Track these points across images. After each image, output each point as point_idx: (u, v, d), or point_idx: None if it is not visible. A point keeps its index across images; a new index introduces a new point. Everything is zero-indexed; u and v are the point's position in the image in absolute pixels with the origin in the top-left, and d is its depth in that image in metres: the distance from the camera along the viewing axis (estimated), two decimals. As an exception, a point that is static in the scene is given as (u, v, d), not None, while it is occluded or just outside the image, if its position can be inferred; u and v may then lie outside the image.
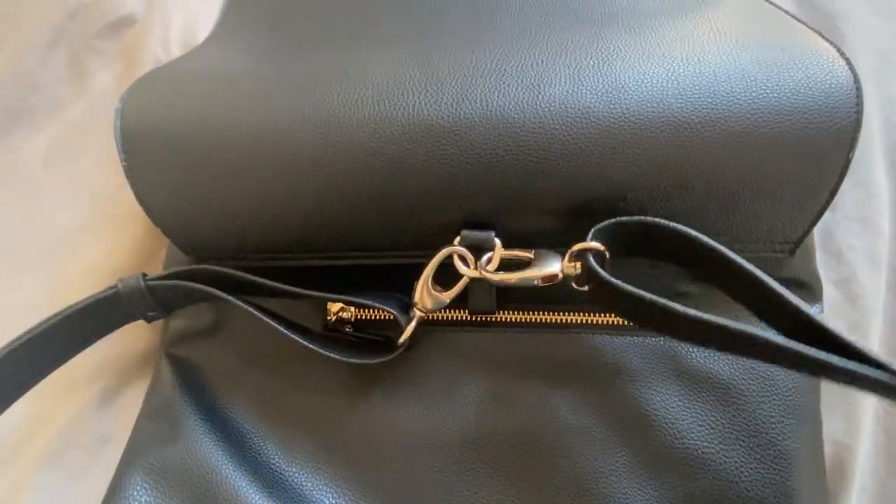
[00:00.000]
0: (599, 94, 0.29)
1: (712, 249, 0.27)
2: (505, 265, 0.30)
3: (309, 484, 0.32)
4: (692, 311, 0.25)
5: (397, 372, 0.33)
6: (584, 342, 0.32)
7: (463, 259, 0.31)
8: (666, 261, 0.30)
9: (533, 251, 0.30)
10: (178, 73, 0.35)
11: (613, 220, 0.28)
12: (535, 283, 0.30)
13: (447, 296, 0.31)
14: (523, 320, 0.33)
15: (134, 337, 0.39)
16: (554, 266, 0.29)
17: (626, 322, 0.32)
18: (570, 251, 0.29)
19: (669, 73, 0.29)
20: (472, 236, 0.30)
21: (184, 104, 0.33)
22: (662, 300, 0.25)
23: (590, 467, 0.30)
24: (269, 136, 0.31)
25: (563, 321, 0.33)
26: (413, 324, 0.32)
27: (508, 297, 0.33)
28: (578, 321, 0.32)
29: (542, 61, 0.31)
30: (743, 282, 0.27)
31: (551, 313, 0.33)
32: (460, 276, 0.31)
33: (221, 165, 0.31)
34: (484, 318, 0.33)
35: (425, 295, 0.31)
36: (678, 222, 0.28)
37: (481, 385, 0.32)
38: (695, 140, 0.28)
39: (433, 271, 0.31)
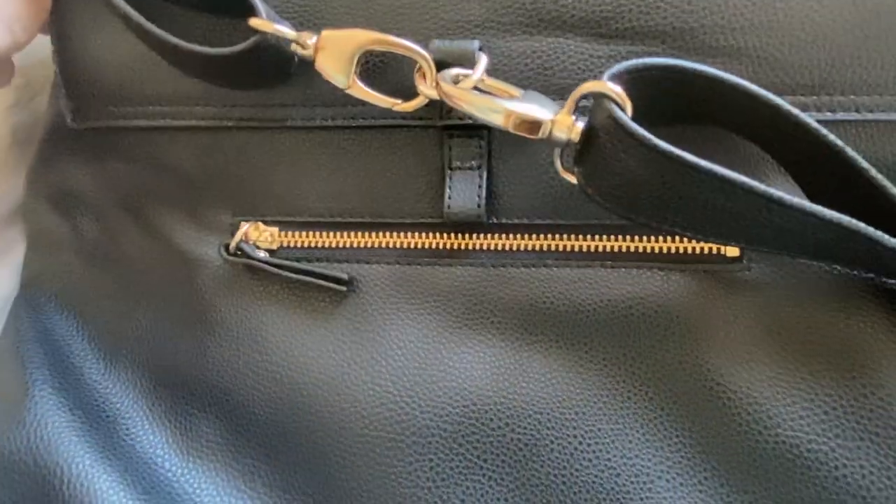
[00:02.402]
0: None
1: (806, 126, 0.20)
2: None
3: (205, 481, 0.26)
4: (808, 205, 0.18)
5: (326, 313, 0.26)
6: (628, 282, 0.24)
7: (423, 75, 0.23)
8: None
9: (524, 91, 0.22)
10: None
11: (643, 62, 0.20)
12: (502, 123, 0.21)
13: (374, 97, 0.23)
14: (528, 246, 0.25)
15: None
16: (546, 112, 0.21)
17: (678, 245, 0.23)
18: (574, 94, 0.21)
19: None
20: (447, 45, 0.23)
21: None
22: (745, 179, 0.18)
23: (629, 466, 0.23)
24: None
25: (592, 249, 0.24)
26: (287, 32, 0.23)
27: (501, 203, 0.24)
28: (617, 249, 0.24)
29: None
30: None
31: (570, 236, 0.24)
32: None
33: None
34: (465, 242, 0.25)
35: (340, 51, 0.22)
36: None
37: (467, 347, 0.25)
38: None
39: (381, 41, 0.22)
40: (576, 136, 0.21)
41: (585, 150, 0.21)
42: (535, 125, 0.21)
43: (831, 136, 0.20)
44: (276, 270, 0.26)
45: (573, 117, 0.21)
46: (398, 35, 0.23)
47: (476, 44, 0.22)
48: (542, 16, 0.23)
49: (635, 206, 0.21)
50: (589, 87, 0.20)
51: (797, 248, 0.21)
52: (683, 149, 0.19)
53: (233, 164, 0.27)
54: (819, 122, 0.22)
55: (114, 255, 0.29)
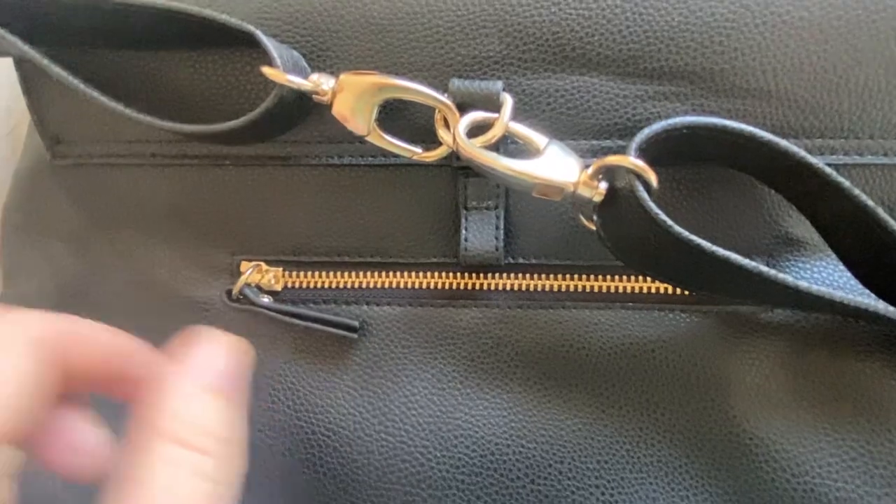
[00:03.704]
0: None
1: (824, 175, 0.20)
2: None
3: None
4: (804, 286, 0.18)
5: (336, 359, 0.24)
6: (650, 324, 0.23)
7: (446, 123, 0.21)
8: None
9: (548, 139, 0.21)
10: None
11: (671, 124, 0.20)
12: (531, 185, 0.20)
13: (392, 146, 0.22)
14: (546, 287, 0.23)
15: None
16: (569, 172, 0.20)
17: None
18: (598, 164, 0.20)
19: None
20: (467, 87, 0.21)
21: None
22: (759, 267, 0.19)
23: None
24: None
25: (612, 290, 0.23)
26: (303, 83, 0.21)
27: (518, 242, 0.23)
28: (638, 290, 0.23)
29: None
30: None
31: (589, 277, 0.23)
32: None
33: None
34: (481, 282, 0.24)
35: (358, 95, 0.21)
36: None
37: (483, 393, 0.24)
38: None
39: (402, 88, 0.21)
40: (598, 197, 0.20)
41: (605, 207, 0.20)
42: (557, 189, 0.20)
43: (862, 196, 0.20)
44: (283, 318, 0.24)
45: (597, 181, 0.20)
46: (414, 71, 0.22)
47: (499, 86, 0.21)
48: (566, 53, 0.22)
49: (649, 266, 0.21)
50: (614, 160, 0.19)
51: (810, 308, 0.21)
52: (699, 190, 0.20)
53: (231, 201, 0.25)
54: (846, 165, 0.22)
55: (98, 294, 0.27)
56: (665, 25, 0.21)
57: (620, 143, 0.22)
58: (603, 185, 0.20)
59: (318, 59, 0.23)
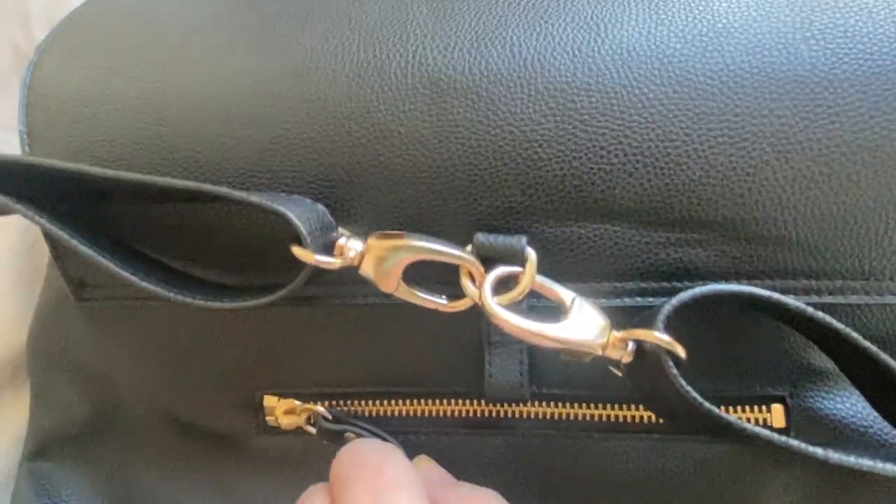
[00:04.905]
0: (689, 37, 0.22)
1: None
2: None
3: None
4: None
5: None
6: (677, 454, 0.23)
7: (472, 276, 0.22)
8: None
9: (573, 295, 0.21)
10: (115, 17, 0.27)
11: (696, 294, 0.20)
12: (558, 349, 0.21)
13: (419, 299, 0.22)
14: (571, 416, 0.24)
15: None
16: (596, 332, 0.20)
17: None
18: (626, 334, 0.20)
19: (790, 6, 0.22)
20: (491, 242, 0.22)
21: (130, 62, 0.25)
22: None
23: None
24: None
25: (638, 420, 0.23)
26: (333, 262, 0.21)
27: (542, 372, 0.24)
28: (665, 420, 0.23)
29: None
30: None
31: (616, 407, 0.23)
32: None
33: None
34: (505, 411, 0.24)
35: (386, 261, 0.21)
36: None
37: None
38: (844, 108, 0.21)
39: (428, 251, 0.21)
40: (627, 358, 0.20)
41: (633, 365, 0.21)
42: (587, 353, 0.20)
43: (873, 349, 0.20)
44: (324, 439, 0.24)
45: (626, 343, 0.20)
46: (437, 222, 0.22)
47: (523, 241, 0.21)
48: (588, 204, 0.22)
49: (670, 417, 0.22)
50: (642, 335, 0.20)
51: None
52: (721, 318, 0.21)
53: (254, 338, 0.25)
54: (867, 305, 0.22)
55: (123, 426, 0.27)
56: (686, 179, 0.21)
57: (643, 284, 0.22)
58: (631, 346, 0.20)
59: (343, 210, 0.23)
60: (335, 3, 0.25)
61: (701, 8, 0.22)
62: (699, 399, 0.19)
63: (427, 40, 0.23)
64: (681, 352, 0.19)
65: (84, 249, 0.21)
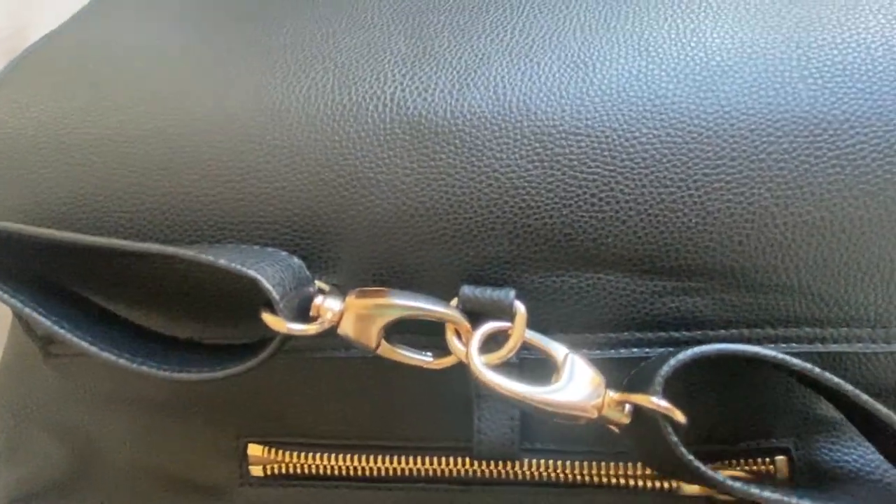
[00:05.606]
0: (681, 76, 0.21)
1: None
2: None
3: None
4: None
5: None
6: None
7: (458, 332, 0.20)
8: None
9: (566, 351, 0.20)
10: (77, 50, 0.25)
11: (696, 354, 0.19)
12: (552, 414, 0.19)
13: (402, 358, 0.21)
14: (562, 477, 0.22)
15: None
16: (591, 392, 0.19)
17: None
18: (622, 397, 0.19)
19: (787, 43, 0.21)
20: (478, 296, 0.21)
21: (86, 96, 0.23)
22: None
23: None
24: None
25: (633, 482, 0.22)
26: (307, 329, 0.20)
27: (533, 428, 0.22)
28: (660, 485, 0.22)
29: (588, 27, 0.22)
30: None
31: (610, 465, 0.22)
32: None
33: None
34: (493, 469, 0.23)
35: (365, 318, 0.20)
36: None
37: None
38: (845, 150, 0.20)
39: (412, 309, 0.20)
40: (625, 419, 0.19)
41: (631, 425, 0.19)
42: (582, 416, 0.19)
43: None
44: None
45: (621, 408, 0.19)
46: (421, 273, 0.21)
47: (511, 295, 0.20)
48: (579, 253, 0.21)
49: (670, 475, 0.21)
50: (639, 400, 0.19)
51: None
52: (724, 367, 0.20)
53: (236, 386, 0.24)
54: (875, 353, 0.21)
55: (101, 479, 0.26)
56: (682, 226, 0.20)
57: (639, 335, 0.21)
58: (629, 408, 0.19)
59: (320, 261, 0.22)
60: (308, 36, 0.24)
61: (693, 44, 0.21)
62: (702, 467, 0.18)
63: (406, 80, 0.22)
64: (680, 417, 0.18)
65: (42, 320, 0.20)
